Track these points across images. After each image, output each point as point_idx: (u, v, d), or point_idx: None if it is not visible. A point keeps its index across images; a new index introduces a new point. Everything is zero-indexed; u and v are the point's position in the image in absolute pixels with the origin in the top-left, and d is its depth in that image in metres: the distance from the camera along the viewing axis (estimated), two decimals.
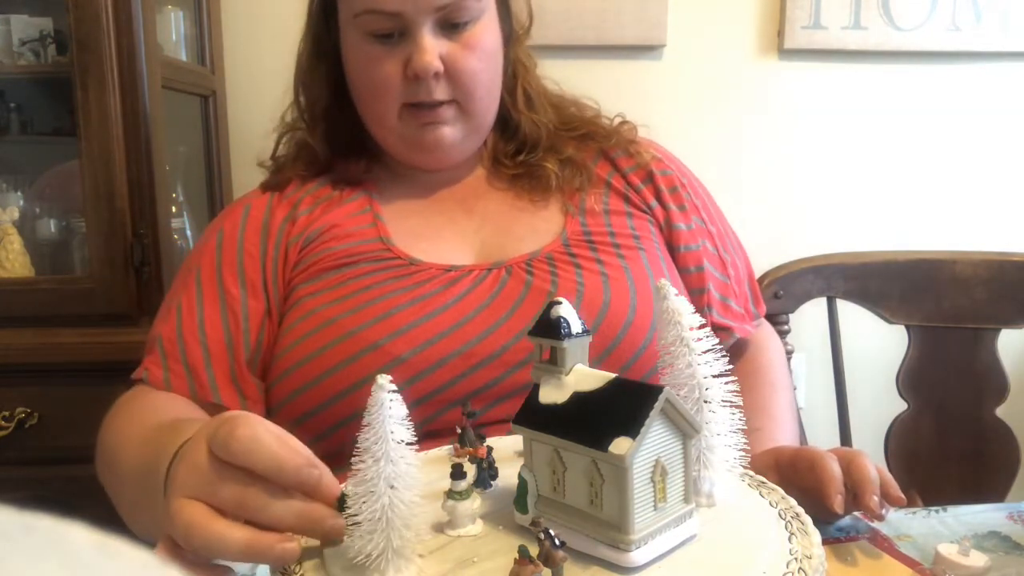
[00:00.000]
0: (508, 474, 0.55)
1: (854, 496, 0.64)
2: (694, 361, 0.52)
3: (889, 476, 0.65)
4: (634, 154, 0.95)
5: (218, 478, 0.48)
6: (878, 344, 1.38)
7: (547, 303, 0.52)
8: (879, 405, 1.29)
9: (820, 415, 1.57)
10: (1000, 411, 1.22)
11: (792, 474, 0.68)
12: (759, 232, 1.31)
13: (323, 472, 0.48)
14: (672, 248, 0.92)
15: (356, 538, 0.46)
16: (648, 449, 0.45)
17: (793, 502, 0.54)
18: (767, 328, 1.04)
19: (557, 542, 0.42)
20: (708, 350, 0.52)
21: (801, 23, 1.62)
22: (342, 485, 0.49)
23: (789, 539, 0.49)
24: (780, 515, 0.52)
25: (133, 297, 1.24)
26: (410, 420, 0.46)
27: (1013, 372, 1.22)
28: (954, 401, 1.22)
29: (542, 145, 0.94)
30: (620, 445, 0.44)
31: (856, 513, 0.71)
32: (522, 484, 0.50)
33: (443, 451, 0.65)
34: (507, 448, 0.62)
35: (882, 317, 1.23)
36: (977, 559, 0.63)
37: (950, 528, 0.71)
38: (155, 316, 0.89)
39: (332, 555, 0.49)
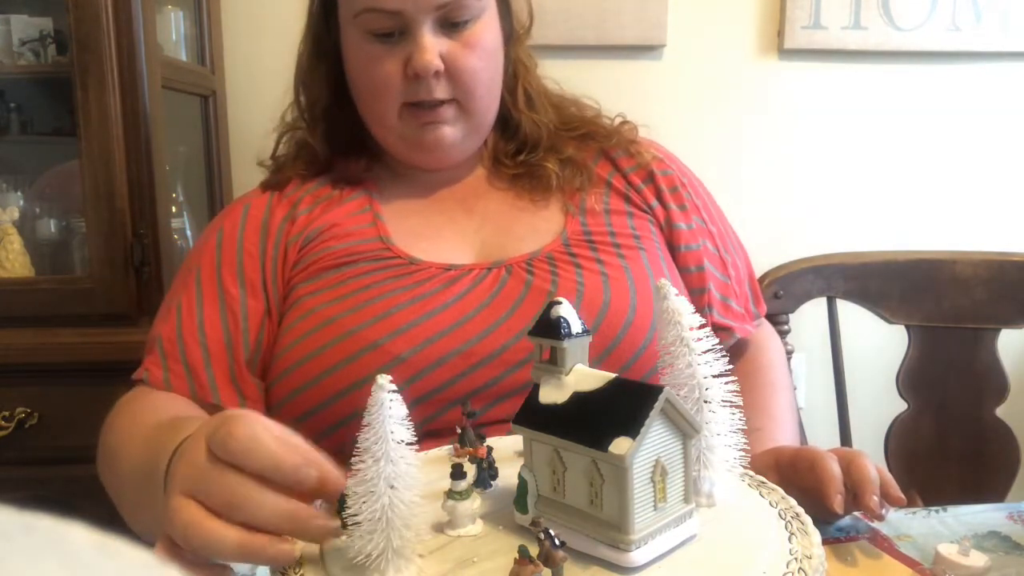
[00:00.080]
0: (508, 474, 0.55)
1: (854, 496, 0.64)
2: (694, 361, 0.52)
3: (889, 476, 0.65)
4: (635, 154, 0.95)
5: (213, 477, 0.48)
6: (878, 344, 1.38)
7: (547, 303, 0.52)
8: (879, 405, 1.29)
9: (820, 415, 1.57)
10: (1000, 411, 1.22)
11: (792, 474, 0.68)
12: (759, 232, 1.31)
13: (325, 470, 0.48)
14: (673, 248, 0.92)
15: (356, 538, 0.46)
16: (648, 449, 0.45)
17: (793, 502, 0.54)
18: (767, 328, 1.04)
19: (557, 542, 0.42)
20: (708, 350, 0.52)
21: (801, 23, 1.63)
22: None
23: (789, 539, 0.49)
24: (780, 515, 0.52)
25: (133, 297, 1.24)
26: (410, 420, 0.46)
27: (1013, 372, 1.22)
28: (954, 401, 1.22)
29: (543, 145, 0.94)
30: (620, 445, 0.44)
31: (856, 513, 0.71)
32: (522, 484, 0.50)
33: (443, 451, 0.65)
34: (507, 448, 0.62)
35: (882, 317, 1.23)
36: (977, 559, 0.63)
37: (950, 528, 0.71)
38: (155, 316, 0.89)
39: (332, 555, 0.49)
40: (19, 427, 1.22)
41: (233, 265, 0.86)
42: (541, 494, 0.49)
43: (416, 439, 0.46)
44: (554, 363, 0.50)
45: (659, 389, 0.45)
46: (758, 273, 1.10)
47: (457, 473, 0.50)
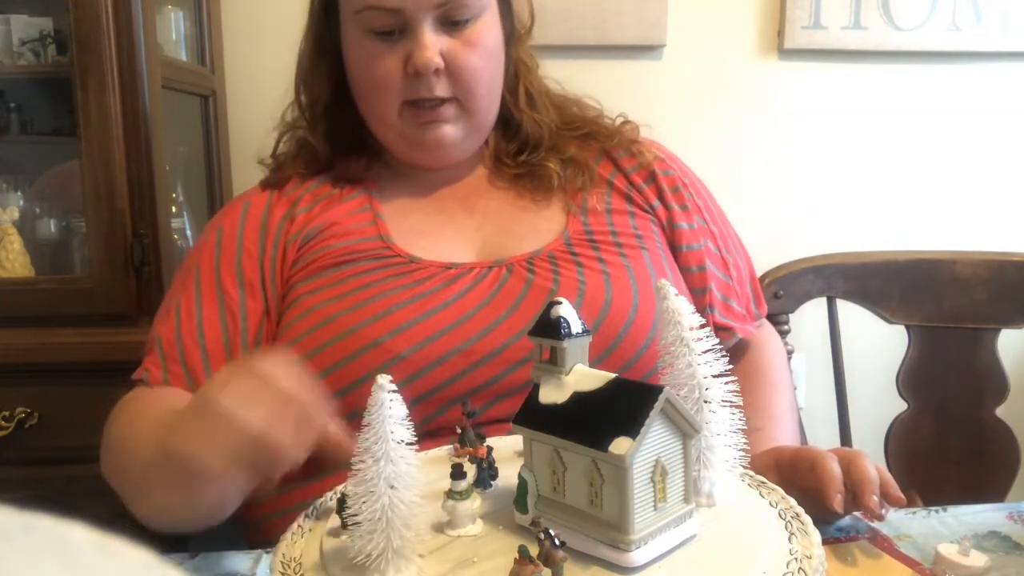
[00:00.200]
0: (508, 474, 0.55)
1: (854, 496, 0.64)
2: (694, 361, 0.52)
3: (889, 476, 0.65)
4: (636, 154, 0.95)
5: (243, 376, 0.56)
6: (878, 344, 1.38)
7: (547, 303, 0.52)
8: (879, 405, 1.29)
9: (820, 415, 1.57)
10: (1000, 411, 1.22)
11: (792, 474, 0.68)
12: (759, 232, 1.31)
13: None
14: (674, 248, 0.92)
15: (356, 538, 0.46)
16: (648, 449, 0.45)
17: (793, 502, 0.54)
18: (768, 328, 1.04)
19: (557, 542, 0.42)
20: (708, 350, 0.52)
21: (801, 23, 1.62)
22: (342, 485, 0.49)
23: (789, 539, 0.49)
24: (780, 515, 0.52)
25: (133, 297, 1.24)
26: (410, 419, 0.46)
27: (1013, 372, 1.22)
28: (954, 401, 1.22)
29: (544, 145, 0.94)
30: (620, 445, 0.44)
31: (856, 513, 0.70)
32: (522, 484, 0.50)
33: (443, 451, 0.65)
34: (507, 448, 0.62)
35: (882, 317, 1.23)
36: (977, 559, 0.63)
37: (950, 528, 0.71)
38: (155, 316, 0.89)
39: (332, 555, 0.49)
40: (19, 427, 1.22)
41: (232, 265, 0.86)
42: (541, 494, 0.49)
43: (416, 439, 0.46)
44: (554, 363, 0.50)
45: (659, 389, 0.45)
46: (758, 273, 1.10)
47: (457, 473, 0.50)
